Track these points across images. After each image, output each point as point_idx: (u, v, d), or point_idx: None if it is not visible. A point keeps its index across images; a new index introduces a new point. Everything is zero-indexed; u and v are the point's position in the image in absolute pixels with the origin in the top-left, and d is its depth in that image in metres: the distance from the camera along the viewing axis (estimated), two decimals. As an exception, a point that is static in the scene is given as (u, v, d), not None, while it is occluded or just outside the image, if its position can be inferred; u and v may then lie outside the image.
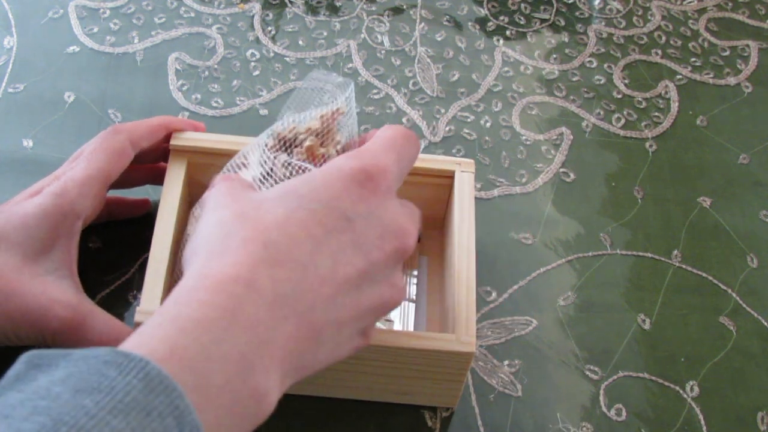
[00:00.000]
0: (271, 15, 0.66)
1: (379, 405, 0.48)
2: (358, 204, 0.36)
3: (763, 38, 0.68)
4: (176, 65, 0.62)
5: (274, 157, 0.43)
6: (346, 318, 0.35)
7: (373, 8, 0.67)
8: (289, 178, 0.42)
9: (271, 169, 0.42)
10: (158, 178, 0.50)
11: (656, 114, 0.63)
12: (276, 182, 0.42)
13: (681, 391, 0.50)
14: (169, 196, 0.47)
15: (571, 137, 0.61)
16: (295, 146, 0.43)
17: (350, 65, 0.64)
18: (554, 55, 0.66)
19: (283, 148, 0.43)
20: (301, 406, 0.48)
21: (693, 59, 0.66)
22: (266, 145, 0.44)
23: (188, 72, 0.62)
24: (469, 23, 0.67)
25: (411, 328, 0.50)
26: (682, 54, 0.67)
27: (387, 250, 0.36)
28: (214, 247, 0.34)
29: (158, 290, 0.44)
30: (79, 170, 0.46)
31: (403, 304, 0.50)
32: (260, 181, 0.43)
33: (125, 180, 0.50)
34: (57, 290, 0.43)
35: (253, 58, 0.63)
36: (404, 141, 0.40)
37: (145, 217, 0.54)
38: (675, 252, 0.56)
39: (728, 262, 0.56)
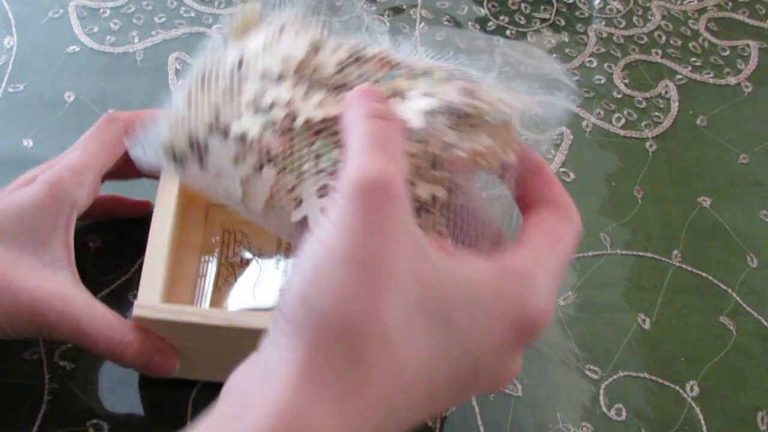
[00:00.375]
0: (271, 15, 0.66)
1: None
2: (499, 361, 0.29)
3: (763, 38, 0.68)
4: (176, 65, 0.62)
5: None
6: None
7: (374, 8, 0.67)
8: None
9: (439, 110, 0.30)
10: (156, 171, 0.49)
11: (656, 114, 0.63)
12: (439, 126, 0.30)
13: (681, 391, 0.50)
14: (165, 194, 0.47)
15: (571, 137, 0.61)
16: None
17: (350, 65, 0.64)
18: (554, 55, 0.66)
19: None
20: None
21: (693, 59, 0.66)
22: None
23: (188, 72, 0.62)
24: (470, 23, 0.67)
25: None
26: (682, 54, 0.67)
27: (484, 390, 0.32)
28: (323, 374, 0.25)
29: (155, 288, 0.44)
30: (74, 158, 0.45)
31: None
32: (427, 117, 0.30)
33: (121, 171, 0.49)
34: (54, 283, 0.43)
35: (253, 58, 0.63)
36: (568, 263, 0.32)
37: (145, 218, 0.54)
38: (675, 252, 0.56)
39: (728, 262, 0.56)
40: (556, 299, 0.30)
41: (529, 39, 0.67)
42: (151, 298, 0.43)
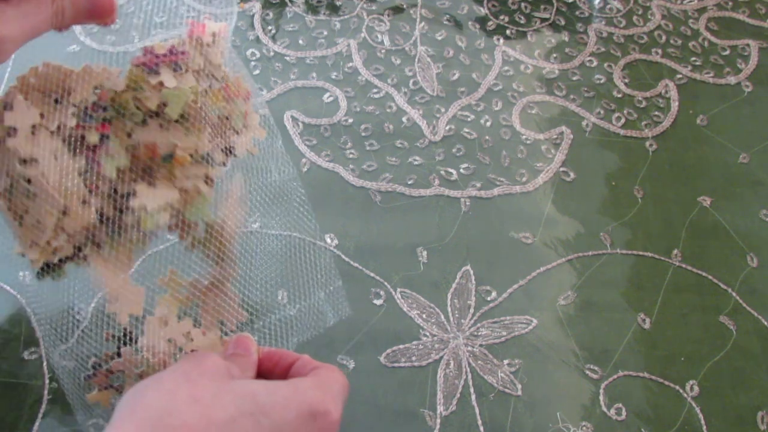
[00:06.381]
0: (271, 14, 0.66)
1: (383, 409, 0.48)
2: None
3: (763, 37, 0.68)
4: (176, 64, 0.62)
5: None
6: None
7: (374, 7, 0.67)
8: None
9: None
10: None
11: (656, 113, 0.63)
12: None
13: (681, 391, 0.50)
14: None
15: (572, 136, 0.61)
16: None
17: (350, 64, 0.64)
18: (554, 55, 0.66)
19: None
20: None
21: (693, 58, 0.66)
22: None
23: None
24: (470, 22, 0.67)
25: None
26: (682, 53, 0.67)
27: None
28: (153, 423, 0.34)
29: None
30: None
31: None
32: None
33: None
34: None
35: (254, 57, 0.63)
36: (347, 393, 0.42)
37: None
38: (675, 251, 0.56)
39: (728, 262, 0.56)
40: (339, 410, 0.38)
41: (529, 38, 0.67)
42: None
